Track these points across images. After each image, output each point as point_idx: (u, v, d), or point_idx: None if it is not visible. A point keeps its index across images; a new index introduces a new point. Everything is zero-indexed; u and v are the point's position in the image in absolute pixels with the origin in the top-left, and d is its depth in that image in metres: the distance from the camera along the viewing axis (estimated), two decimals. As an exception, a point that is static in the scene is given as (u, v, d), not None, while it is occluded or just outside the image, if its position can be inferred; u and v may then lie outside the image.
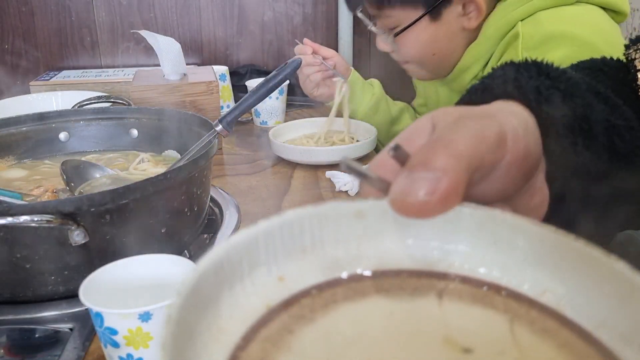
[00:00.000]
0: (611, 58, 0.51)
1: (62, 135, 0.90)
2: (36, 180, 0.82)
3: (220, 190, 0.91)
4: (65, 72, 1.55)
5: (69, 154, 0.89)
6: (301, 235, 0.27)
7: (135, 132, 0.91)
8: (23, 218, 0.54)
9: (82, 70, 1.58)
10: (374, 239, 0.28)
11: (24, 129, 0.87)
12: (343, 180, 0.94)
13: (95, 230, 0.59)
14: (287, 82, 1.30)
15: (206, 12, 1.67)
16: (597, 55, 0.53)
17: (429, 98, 1.26)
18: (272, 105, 1.28)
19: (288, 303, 0.25)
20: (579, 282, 0.24)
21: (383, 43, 1.08)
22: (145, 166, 0.86)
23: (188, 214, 0.70)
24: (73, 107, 1.08)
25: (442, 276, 0.27)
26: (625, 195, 0.38)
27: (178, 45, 1.16)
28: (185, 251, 0.73)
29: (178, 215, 0.68)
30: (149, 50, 1.35)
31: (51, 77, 1.48)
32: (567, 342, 0.23)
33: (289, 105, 1.37)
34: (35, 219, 0.54)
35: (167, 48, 1.14)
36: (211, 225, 0.81)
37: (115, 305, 0.47)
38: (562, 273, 0.25)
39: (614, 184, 0.38)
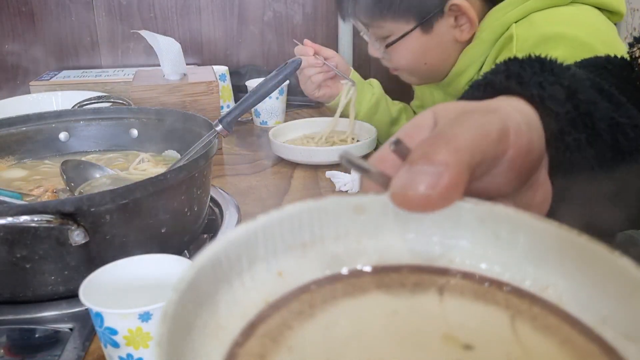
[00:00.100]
0: (615, 56, 0.51)
1: (62, 135, 0.90)
2: (36, 180, 0.82)
3: (220, 190, 0.91)
4: (65, 72, 1.55)
5: (69, 154, 0.89)
6: (300, 230, 0.26)
7: (135, 132, 0.91)
8: (23, 218, 0.54)
9: (82, 70, 1.57)
10: (374, 234, 0.27)
11: (24, 129, 0.87)
12: (343, 180, 0.94)
13: (95, 230, 0.59)
14: (287, 82, 1.29)
15: (206, 12, 1.67)
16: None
17: (425, 100, 1.26)
18: (272, 105, 1.28)
19: (287, 299, 0.25)
20: (582, 279, 0.24)
21: (375, 50, 1.08)
22: (145, 166, 0.86)
23: (188, 214, 0.69)
24: (73, 107, 1.07)
25: (443, 272, 0.26)
26: (628, 194, 0.38)
27: (178, 45, 1.16)
28: (185, 251, 0.73)
29: (178, 215, 0.68)
30: (149, 50, 1.35)
31: (51, 77, 1.48)
32: (569, 338, 0.23)
33: (289, 105, 1.37)
34: (35, 219, 0.54)
35: (167, 48, 1.14)
36: (211, 226, 0.81)
37: (115, 305, 0.47)
38: (565, 269, 0.25)
39: (616, 182, 0.37)
